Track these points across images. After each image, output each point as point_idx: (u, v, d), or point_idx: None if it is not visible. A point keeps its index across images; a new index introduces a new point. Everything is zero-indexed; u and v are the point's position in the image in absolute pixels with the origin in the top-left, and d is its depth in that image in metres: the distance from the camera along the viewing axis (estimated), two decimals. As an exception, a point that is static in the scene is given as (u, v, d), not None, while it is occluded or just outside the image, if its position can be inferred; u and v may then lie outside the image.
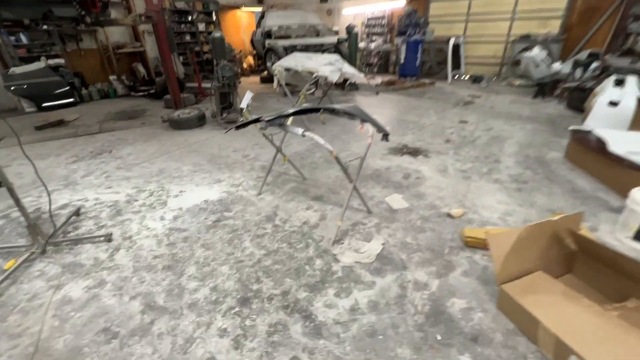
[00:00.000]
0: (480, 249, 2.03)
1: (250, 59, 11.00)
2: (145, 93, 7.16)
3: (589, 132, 2.91)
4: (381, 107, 5.91)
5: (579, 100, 5.16)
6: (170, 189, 2.95)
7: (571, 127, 3.20)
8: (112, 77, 7.31)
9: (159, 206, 2.67)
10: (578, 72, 5.72)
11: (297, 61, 4.64)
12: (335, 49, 7.02)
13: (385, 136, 2.16)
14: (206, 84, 7.12)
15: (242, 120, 2.49)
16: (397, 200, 2.64)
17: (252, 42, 9.34)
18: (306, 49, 6.51)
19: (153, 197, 2.81)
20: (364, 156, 2.12)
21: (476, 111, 5.46)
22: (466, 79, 9.03)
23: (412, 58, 7.64)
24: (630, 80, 3.91)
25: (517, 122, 4.74)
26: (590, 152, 2.93)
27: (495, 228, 2.22)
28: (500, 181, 2.94)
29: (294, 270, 1.92)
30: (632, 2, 6.86)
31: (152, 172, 3.33)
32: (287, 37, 7.17)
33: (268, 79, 8.74)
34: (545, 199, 2.60)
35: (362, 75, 4.70)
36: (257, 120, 2.16)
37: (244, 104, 2.56)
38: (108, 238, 2.22)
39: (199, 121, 4.87)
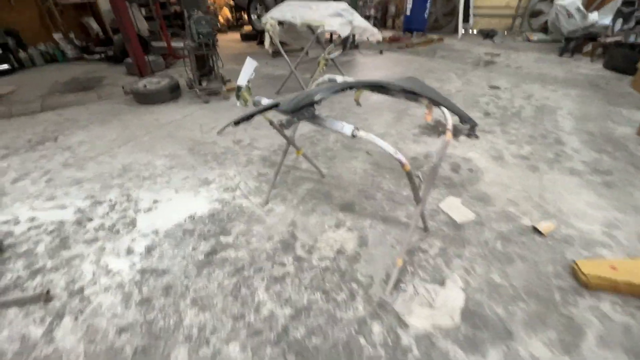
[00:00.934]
0: (605, 292, 1.41)
1: (226, 11, 9.44)
2: (102, 55, 5.87)
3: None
4: (390, 70, 5.00)
5: (622, 58, 4.45)
6: (140, 198, 2.13)
7: (659, 97, 2.52)
8: (57, 36, 5.90)
9: (124, 229, 1.87)
10: (618, 24, 4.93)
11: (294, 11, 3.61)
12: None
13: (472, 129, 1.40)
14: (177, 43, 5.88)
15: (241, 105, 1.64)
16: (457, 208, 1.94)
17: (228, -10, 7.83)
18: None
19: (115, 214, 1.99)
20: (438, 161, 1.37)
21: (502, 73, 4.67)
22: (475, 33, 8.07)
23: (420, 9, 6.57)
24: None
25: (556, 87, 4.02)
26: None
27: (623, 260, 1.59)
28: (577, 172, 2.28)
29: (344, 347, 1.24)
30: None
31: (113, 170, 2.45)
32: None
33: (251, 36, 7.46)
34: (649, 199, 1.98)
35: (376, 30, 3.75)
36: (272, 107, 1.33)
37: (242, 80, 1.67)
38: (45, 297, 1.44)
39: (172, 93, 3.86)
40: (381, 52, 6.10)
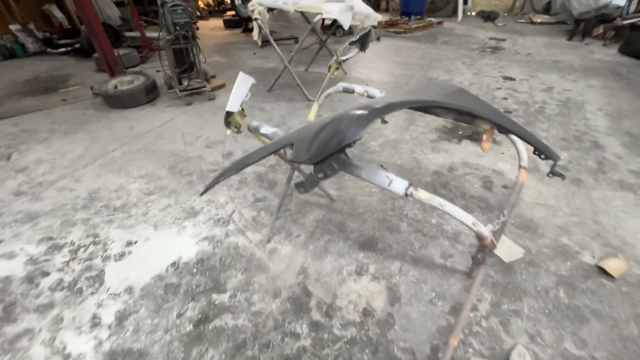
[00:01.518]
0: None
1: (207, -4, 8.71)
2: (68, 49, 5.23)
3: None
4: (390, 59, 4.57)
5: (641, 42, 4.12)
6: (110, 239, 1.71)
7: None
8: (14, 27, 5.21)
9: (88, 288, 1.47)
10: (633, 4, 4.58)
11: (286, -4, 3.12)
12: None
13: (554, 164, 1.04)
14: (153, 33, 5.28)
15: (233, 132, 1.23)
16: (501, 242, 1.60)
17: (208, -30, 7.11)
18: None
19: (78, 264, 1.58)
20: (508, 213, 0.99)
21: (513, 61, 4.30)
22: (474, 15, 7.63)
23: (419, -10, 6.07)
24: None
25: (575, 77, 3.68)
26: None
27: None
28: (628, 186, 1.96)
29: None
30: None
31: (76, 199, 2.02)
32: None
33: (235, 23, 6.85)
34: None
35: (379, 16, 3.30)
36: (279, 149, 0.93)
37: (233, 105, 1.21)
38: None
39: (148, 94, 3.36)
40: (378, 39, 5.63)
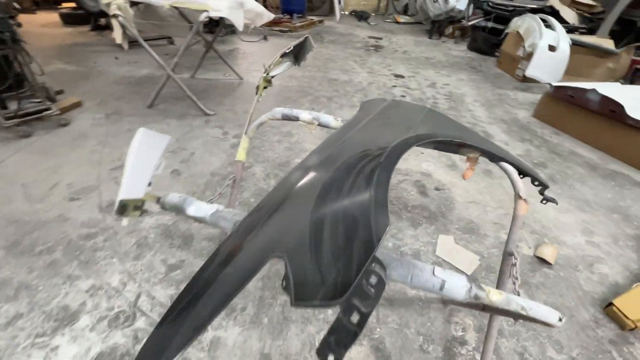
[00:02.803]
0: (644, 330, 1.27)
1: (26, -19, 6.57)
2: None
3: (588, 91, 2.47)
4: (287, 60, 4.32)
5: (482, 41, 5.04)
6: None
7: (555, 84, 2.74)
8: None
9: None
10: (470, 9, 5.57)
11: (153, -13, 2.46)
12: None
13: (543, 190, 0.97)
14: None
15: (130, 219, 0.73)
16: (456, 252, 1.57)
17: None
18: None
19: None
20: (514, 244, 0.88)
21: (396, 59, 4.66)
22: (346, 14, 8.09)
23: (297, -12, 5.97)
24: (553, 20, 3.77)
25: (447, 72, 4.21)
26: (583, 114, 2.55)
27: None
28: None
29: None
30: None
31: None
32: None
33: (80, 18, 5.36)
34: (590, 192, 2.08)
35: (272, 15, 2.99)
36: (246, 282, 0.53)
37: (132, 189, 0.68)
38: None
39: (-55, 127, 2.19)
40: (265, 38, 5.30)
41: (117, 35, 2.37)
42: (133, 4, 2.50)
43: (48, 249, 1.48)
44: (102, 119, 2.61)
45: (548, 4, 4.88)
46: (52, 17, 5.84)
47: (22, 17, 5.64)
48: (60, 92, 2.89)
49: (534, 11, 4.99)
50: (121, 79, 3.39)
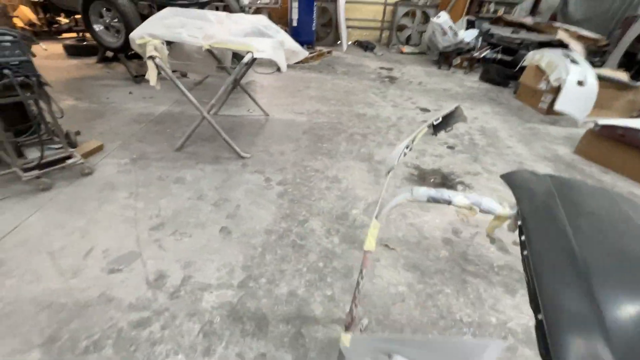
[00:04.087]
0: None
1: (25, 11, 6.41)
2: None
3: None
4: (304, 93, 4.22)
5: (496, 73, 5.10)
6: None
7: (601, 122, 2.69)
8: None
9: None
10: (479, 41, 5.69)
11: (189, 27, 2.32)
12: (220, 3, 4.49)
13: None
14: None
15: None
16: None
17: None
18: (174, 0, 3.75)
19: None
20: None
21: (414, 90, 4.63)
22: (350, 44, 8.20)
23: (307, 20, 6.02)
24: (576, 55, 3.82)
25: (469, 104, 4.18)
26: (637, 153, 2.48)
27: None
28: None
29: None
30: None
31: None
32: None
33: (85, 50, 5.19)
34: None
35: (306, 52, 2.89)
36: None
37: None
38: None
39: (-47, 182, 1.92)
40: (279, 70, 5.21)
41: (152, 77, 2.19)
42: (166, 44, 2.35)
43: (95, 344, 1.21)
44: (128, 164, 2.37)
45: (556, 37, 5.02)
46: (55, 48, 5.64)
47: (23, 49, 5.43)
48: (77, 134, 2.66)
49: (542, 44, 5.13)
50: (139, 117, 3.18)
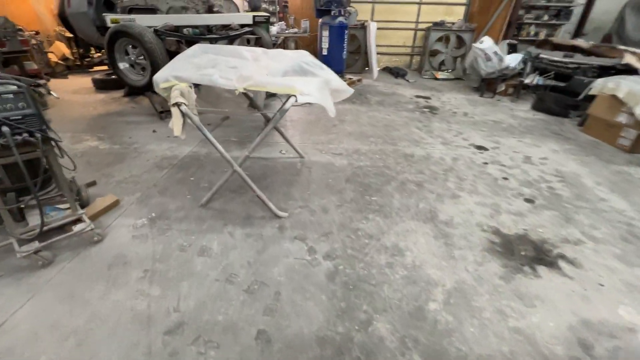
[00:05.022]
0: None
1: (61, 46, 6.56)
2: None
3: None
4: (341, 129, 3.82)
5: (554, 102, 4.55)
6: None
7: None
8: None
9: None
10: (528, 67, 5.18)
11: (221, 67, 1.99)
12: (251, 36, 4.23)
13: None
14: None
15: None
16: None
17: (62, 16, 5.20)
18: (201, 35, 3.52)
19: None
20: None
21: (460, 123, 4.14)
22: (379, 70, 7.89)
23: (338, 48, 5.74)
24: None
25: (530, 139, 3.62)
26: None
27: None
28: None
29: None
30: (524, -8, 7.01)
31: None
32: (152, 8, 3.63)
33: (113, 84, 5.10)
34: None
35: (351, 90, 2.50)
36: None
37: None
38: None
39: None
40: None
41: (177, 126, 1.83)
42: (194, 87, 2.01)
43: None
44: (146, 227, 1.99)
45: (622, 61, 4.44)
46: (85, 81, 5.63)
47: (54, 83, 5.45)
48: (92, 184, 2.34)
49: (605, 69, 4.56)
50: (162, 161, 2.86)
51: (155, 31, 3.11)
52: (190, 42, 3.37)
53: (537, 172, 2.86)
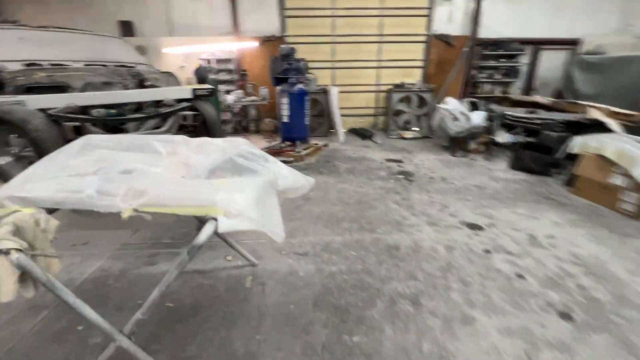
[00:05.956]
0: None
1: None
2: None
3: None
4: (306, 211, 3.15)
5: (532, 161, 4.28)
6: None
7: None
8: None
9: None
10: (495, 124, 5.04)
11: (109, 170, 1.30)
12: (191, 110, 3.52)
13: None
14: None
15: None
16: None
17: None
18: (119, 116, 2.84)
19: None
20: None
21: (440, 191, 3.65)
22: (344, 132, 7.65)
23: (299, 115, 5.37)
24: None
25: (525, 209, 3.15)
26: None
27: None
28: None
29: None
30: (472, 55, 7.39)
31: None
32: (61, 86, 2.99)
33: None
34: None
35: (313, 180, 1.88)
36: None
37: None
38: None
39: None
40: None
41: (4, 286, 1.04)
42: (51, 212, 1.26)
43: None
44: None
45: (588, 115, 4.36)
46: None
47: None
48: None
49: (572, 124, 4.45)
50: (46, 294, 1.96)
51: (50, 115, 2.41)
52: (109, 126, 2.71)
53: (552, 260, 2.29)
